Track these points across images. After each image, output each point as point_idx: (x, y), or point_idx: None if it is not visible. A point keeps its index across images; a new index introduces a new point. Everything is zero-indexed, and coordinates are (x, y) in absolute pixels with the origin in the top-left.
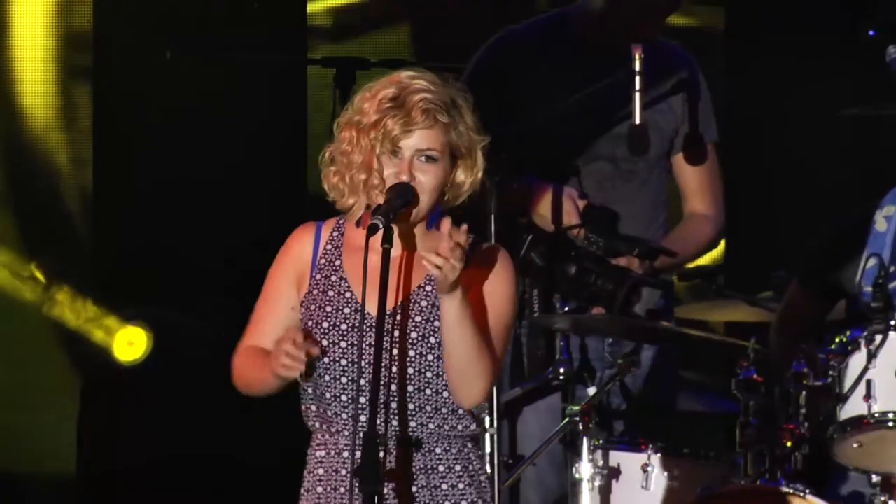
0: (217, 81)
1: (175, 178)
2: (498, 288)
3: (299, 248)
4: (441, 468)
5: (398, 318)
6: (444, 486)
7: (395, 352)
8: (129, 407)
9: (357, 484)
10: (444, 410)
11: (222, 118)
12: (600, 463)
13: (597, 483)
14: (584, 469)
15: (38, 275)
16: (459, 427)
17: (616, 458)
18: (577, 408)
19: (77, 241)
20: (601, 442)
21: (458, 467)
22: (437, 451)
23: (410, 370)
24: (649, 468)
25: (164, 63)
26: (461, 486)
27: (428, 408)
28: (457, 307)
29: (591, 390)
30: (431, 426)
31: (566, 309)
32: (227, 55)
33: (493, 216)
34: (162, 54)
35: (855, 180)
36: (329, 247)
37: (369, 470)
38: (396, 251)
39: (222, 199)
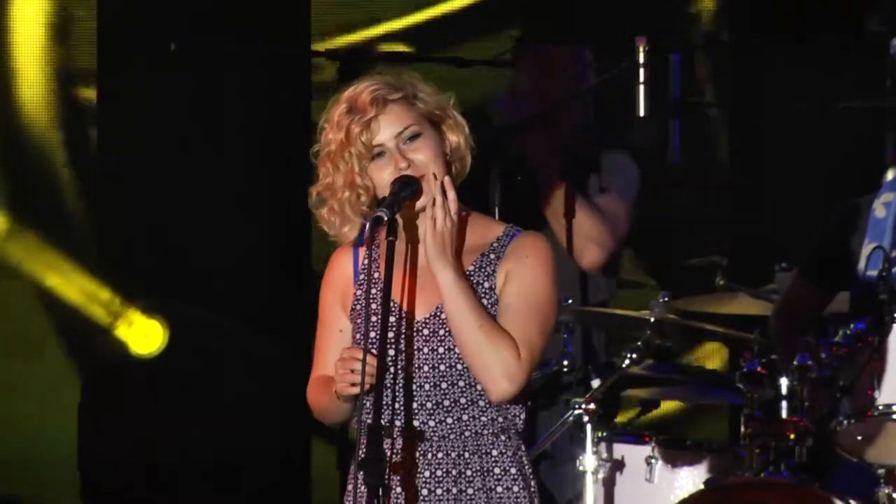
0: (221, 74)
1: (178, 172)
2: (526, 270)
3: (339, 271)
4: (497, 470)
5: (443, 316)
6: (500, 489)
7: (441, 350)
8: (133, 404)
9: (362, 476)
10: (481, 403)
11: (226, 111)
12: (604, 455)
13: (601, 475)
14: (588, 461)
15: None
16: (500, 419)
17: (620, 450)
18: (580, 400)
19: (82, 236)
20: (605, 434)
21: (513, 470)
22: (494, 453)
23: (459, 366)
24: (653, 460)
25: (168, 56)
26: (516, 489)
27: (480, 402)
28: (451, 277)
29: (596, 382)
30: (467, 418)
31: (569, 301)
32: (231, 48)
33: (497, 209)
34: (166, 47)
35: (857, 173)
36: (367, 261)
37: (373, 462)
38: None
39: (225, 193)
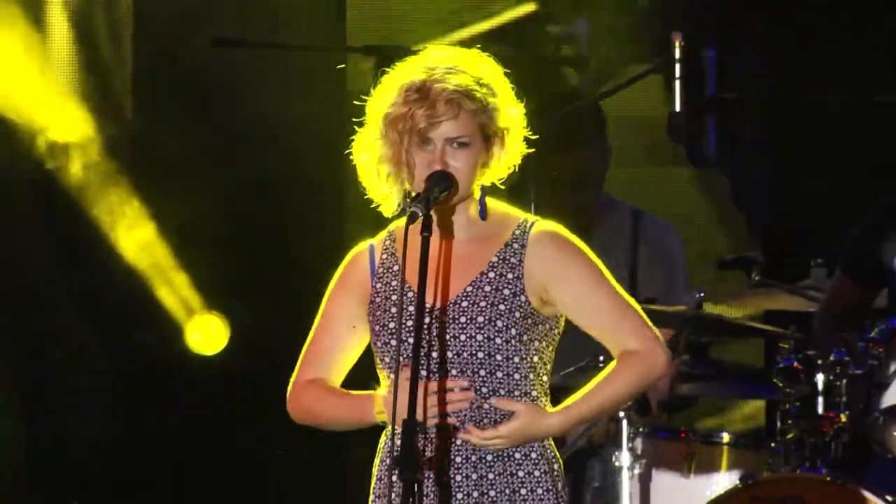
0: (258, 70)
1: (214, 168)
2: (570, 270)
3: (355, 269)
4: (517, 455)
5: (464, 304)
6: (521, 473)
7: (462, 338)
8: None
9: (397, 472)
10: (516, 393)
11: (263, 106)
12: (640, 451)
13: (636, 471)
14: (624, 457)
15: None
16: None
17: (656, 445)
18: None
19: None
20: (641, 429)
21: (534, 454)
22: None
23: (481, 354)
24: (689, 456)
25: (205, 51)
26: (537, 473)
27: (501, 391)
28: (564, 425)
29: None
30: (488, 407)
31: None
32: (267, 44)
33: (533, 204)
34: (203, 43)
35: (893, 168)
36: (384, 256)
37: (408, 457)
38: (459, 238)
39: (261, 189)
